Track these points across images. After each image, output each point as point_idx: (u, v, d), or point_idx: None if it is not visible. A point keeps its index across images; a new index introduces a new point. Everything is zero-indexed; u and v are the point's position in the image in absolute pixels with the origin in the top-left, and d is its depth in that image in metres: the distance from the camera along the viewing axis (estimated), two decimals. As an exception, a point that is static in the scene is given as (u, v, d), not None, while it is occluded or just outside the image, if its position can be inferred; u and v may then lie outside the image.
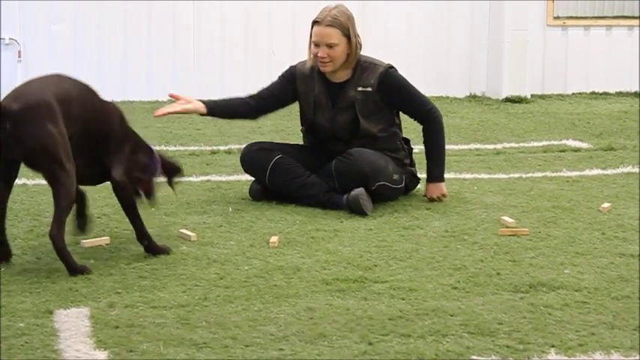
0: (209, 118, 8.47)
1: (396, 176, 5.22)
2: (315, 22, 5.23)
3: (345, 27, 5.18)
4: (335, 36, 5.16)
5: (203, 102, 5.18)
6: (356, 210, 5.02)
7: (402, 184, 5.28)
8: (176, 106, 5.10)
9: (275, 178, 5.23)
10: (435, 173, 5.32)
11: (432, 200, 5.29)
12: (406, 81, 5.32)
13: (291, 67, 5.39)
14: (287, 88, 5.35)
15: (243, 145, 5.55)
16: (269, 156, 5.27)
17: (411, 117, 5.40)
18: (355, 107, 5.23)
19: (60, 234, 3.94)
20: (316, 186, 5.18)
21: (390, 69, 5.29)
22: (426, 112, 5.31)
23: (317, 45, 5.19)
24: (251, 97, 5.35)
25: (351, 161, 5.12)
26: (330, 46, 5.16)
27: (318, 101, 5.29)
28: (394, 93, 5.26)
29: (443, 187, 5.33)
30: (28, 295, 3.77)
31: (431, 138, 5.34)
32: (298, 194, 5.20)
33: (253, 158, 5.30)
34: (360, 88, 5.23)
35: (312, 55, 5.24)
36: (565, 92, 10.11)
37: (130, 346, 3.27)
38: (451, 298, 3.78)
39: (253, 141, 5.59)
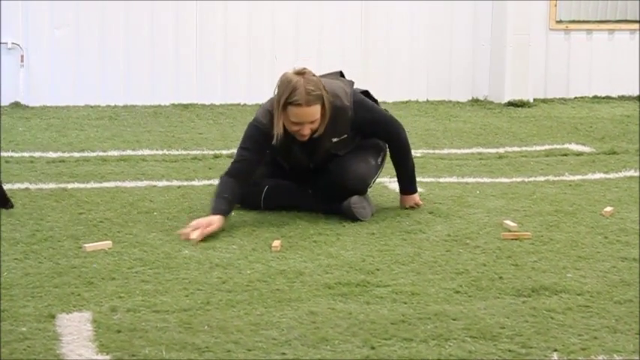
0: (211, 122, 8.53)
1: (379, 160, 5.27)
2: (292, 104, 4.89)
3: (322, 96, 4.97)
4: (317, 111, 4.96)
5: (216, 214, 4.80)
6: (351, 218, 5.01)
7: (385, 154, 5.32)
8: (202, 231, 4.69)
9: (271, 205, 5.20)
10: (408, 188, 5.33)
11: (405, 208, 5.30)
12: (373, 112, 5.19)
13: (260, 131, 5.02)
14: (264, 153, 5.10)
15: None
16: (258, 189, 5.19)
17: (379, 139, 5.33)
18: (332, 152, 5.16)
19: None
20: (314, 202, 5.17)
21: (356, 107, 5.10)
22: (393, 138, 5.26)
23: (299, 124, 4.96)
24: (236, 177, 4.97)
25: (336, 178, 5.08)
26: (312, 122, 4.99)
27: (294, 157, 5.18)
28: (367, 129, 5.18)
29: (416, 197, 5.33)
30: (30, 299, 3.77)
31: (400, 161, 5.30)
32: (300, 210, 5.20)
33: (244, 196, 5.11)
34: (335, 139, 5.11)
35: (290, 129, 4.98)
36: (567, 96, 10.11)
37: (132, 351, 3.27)
38: (453, 302, 3.77)
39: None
